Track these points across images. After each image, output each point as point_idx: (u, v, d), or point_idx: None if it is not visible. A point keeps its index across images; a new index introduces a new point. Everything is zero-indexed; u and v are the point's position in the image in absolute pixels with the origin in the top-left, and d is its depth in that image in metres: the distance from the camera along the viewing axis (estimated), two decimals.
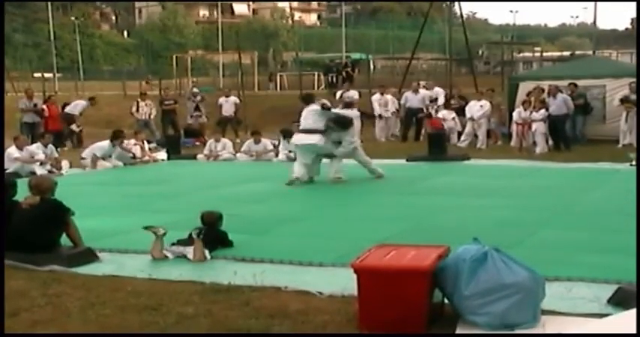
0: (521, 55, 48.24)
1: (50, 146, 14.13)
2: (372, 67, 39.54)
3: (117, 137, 14.81)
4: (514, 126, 16.75)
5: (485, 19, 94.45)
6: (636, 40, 23.26)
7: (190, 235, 6.57)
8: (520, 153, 15.51)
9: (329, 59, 40.01)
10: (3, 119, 16.23)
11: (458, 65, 40.92)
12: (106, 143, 14.65)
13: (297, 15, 78.68)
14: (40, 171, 12.90)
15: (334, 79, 32.66)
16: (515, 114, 16.63)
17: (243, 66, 32.51)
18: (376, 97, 19.71)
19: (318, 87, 35.75)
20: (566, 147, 15.83)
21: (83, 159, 14.45)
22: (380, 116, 19.53)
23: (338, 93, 19.11)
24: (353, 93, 18.90)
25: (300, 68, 37.61)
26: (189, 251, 6.49)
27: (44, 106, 19.19)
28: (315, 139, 11.16)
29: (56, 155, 14.22)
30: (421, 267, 4.58)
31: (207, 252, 6.49)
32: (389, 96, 19.69)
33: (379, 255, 4.82)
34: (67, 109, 19.57)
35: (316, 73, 37.55)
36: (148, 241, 6.78)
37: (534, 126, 15.91)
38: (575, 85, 17.01)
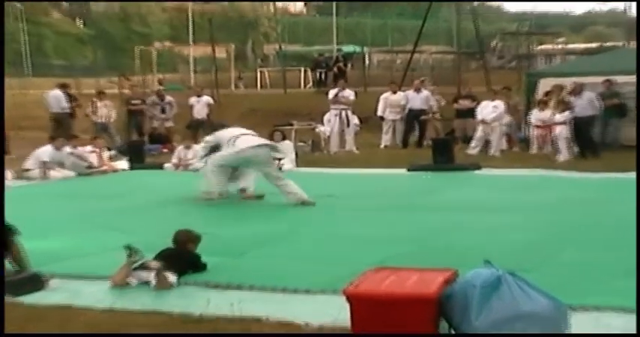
0: (541, 47, 48.47)
1: None
2: (367, 61, 39.68)
3: (54, 139, 14.88)
4: (532, 130, 16.83)
5: (499, 6, 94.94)
6: (636, 42, 23.63)
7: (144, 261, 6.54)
8: (539, 161, 15.58)
9: (317, 53, 40.09)
10: (3, 121, 16.25)
11: (467, 59, 41.08)
12: (48, 148, 14.62)
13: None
14: None
15: (324, 76, 32.75)
16: (531, 116, 16.72)
17: (218, 60, 32.56)
18: (385, 96, 19.80)
19: (305, 86, 35.85)
20: (593, 155, 15.89)
21: (27, 170, 14.40)
22: (382, 118, 19.62)
23: (331, 93, 19.12)
24: (349, 93, 18.97)
25: (284, 63, 37.72)
26: (152, 277, 6.48)
27: None
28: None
29: None
30: (425, 294, 4.60)
31: (173, 277, 6.48)
32: (400, 95, 19.76)
33: (376, 280, 4.84)
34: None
35: (303, 69, 37.64)
36: (106, 265, 6.76)
37: (556, 129, 15.97)
38: (611, 82, 17.03)
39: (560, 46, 45.11)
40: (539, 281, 4.86)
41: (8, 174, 14.03)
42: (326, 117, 18.77)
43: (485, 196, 11.44)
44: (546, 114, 16.32)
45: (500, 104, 17.44)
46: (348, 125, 18.61)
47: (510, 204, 10.59)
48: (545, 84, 18.11)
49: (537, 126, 16.62)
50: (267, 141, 11.59)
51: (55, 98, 19.90)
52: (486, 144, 17.36)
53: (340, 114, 18.60)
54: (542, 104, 16.60)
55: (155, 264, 6.47)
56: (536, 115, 16.61)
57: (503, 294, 4.61)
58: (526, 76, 20.66)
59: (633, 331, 5.09)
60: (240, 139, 11.07)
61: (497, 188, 12.27)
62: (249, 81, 39.44)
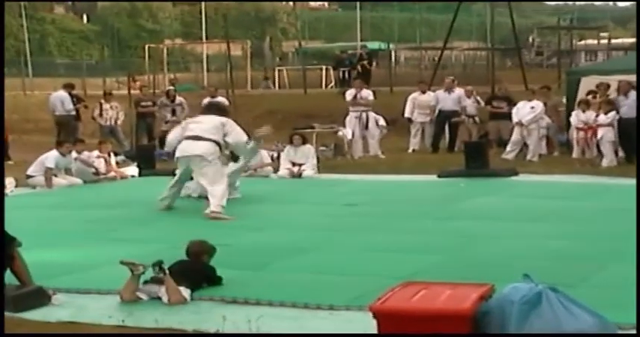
0: (583, 42, 48.26)
1: None
2: (394, 59, 39.63)
3: (61, 144, 14.95)
4: (574, 133, 16.74)
5: None
6: (636, 42, 23.65)
7: (158, 272, 6.57)
8: (582, 166, 15.50)
9: (340, 50, 40.15)
10: (3, 121, 16.41)
11: (502, 56, 40.97)
12: (53, 153, 14.69)
13: None
14: None
15: (347, 75, 32.75)
16: (572, 118, 16.62)
17: (233, 58, 32.61)
18: (413, 96, 19.75)
19: (327, 85, 35.87)
20: None
21: (30, 177, 14.48)
22: (410, 120, 19.58)
23: (349, 94, 19.06)
24: (367, 94, 18.93)
25: (304, 61, 37.73)
26: (163, 292, 6.50)
27: None
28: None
29: None
30: (459, 311, 4.59)
31: (187, 292, 6.50)
32: (430, 95, 19.73)
33: (405, 296, 4.83)
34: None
35: (324, 68, 37.67)
36: (115, 278, 6.79)
37: (600, 132, 15.88)
38: None
39: (604, 41, 44.79)
40: (583, 298, 4.84)
41: (9, 181, 14.10)
42: (347, 120, 18.76)
43: (523, 204, 11.39)
44: (589, 115, 16.21)
45: (538, 104, 17.33)
46: (367, 127, 18.51)
47: (549, 213, 10.53)
48: (587, 83, 17.98)
49: (579, 129, 16.50)
50: (198, 152, 10.88)
51: (60, 99, 20.02)
52: (523, 148, 17.28)
53: (360, 115, 18.56)
54: (584, 104, 16.49)
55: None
56: (577, 116, 16.50)
57: (543, 311, 4.58)
58: (567, 74, 20.54)
59: None
60: (180, 144, 11.15)
61: (536, 195, 12.20)
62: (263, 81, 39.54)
